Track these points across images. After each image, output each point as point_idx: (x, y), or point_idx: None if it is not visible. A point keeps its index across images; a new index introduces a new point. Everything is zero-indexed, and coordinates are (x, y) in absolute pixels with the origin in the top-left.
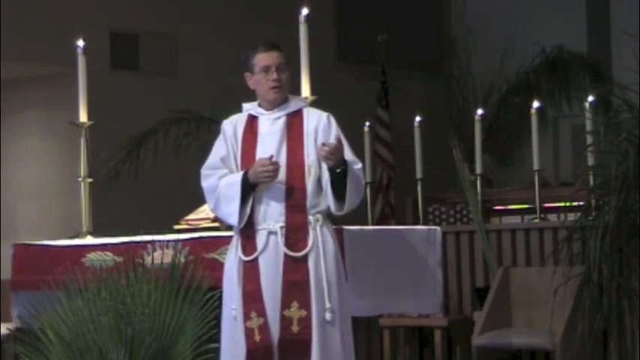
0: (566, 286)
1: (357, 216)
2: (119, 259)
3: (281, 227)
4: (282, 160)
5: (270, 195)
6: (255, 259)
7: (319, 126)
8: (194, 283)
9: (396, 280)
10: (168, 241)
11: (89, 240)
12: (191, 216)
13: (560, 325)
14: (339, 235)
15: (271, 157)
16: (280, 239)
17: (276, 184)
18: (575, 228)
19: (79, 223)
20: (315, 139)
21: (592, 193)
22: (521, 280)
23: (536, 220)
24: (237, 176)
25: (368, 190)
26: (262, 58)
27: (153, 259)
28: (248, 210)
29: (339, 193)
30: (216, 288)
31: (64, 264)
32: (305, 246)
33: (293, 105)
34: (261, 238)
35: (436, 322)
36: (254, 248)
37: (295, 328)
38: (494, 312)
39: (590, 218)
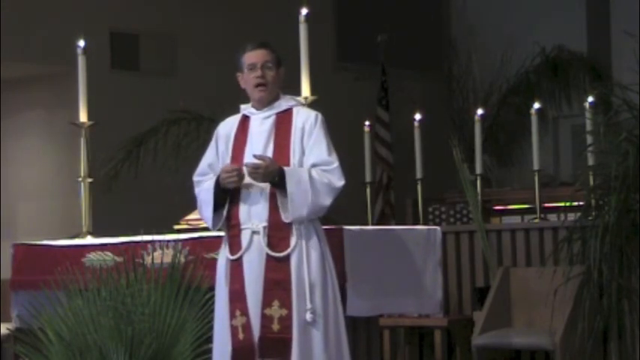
0: (566, 286)
1: (357, 216)
2: (119, 259)
3: (264, 227)
4: None
5: (256, 194)
6: (240, 258)
7: (306, 125)
8: (194, 283)
9: (396, 280)
10: (168, 241)
11: (89, 240)
12: (191, 216)
13: (560, 325)
14: (339, 235)
15: (241, 167)
16: (263, 239)
17: (262, 183)
18: (575, 228)
19: (79, 223)
20: (302, 138)
21: (592, 193)
22: (521, 280)
23: (536, 220)
24: (212, 181)
25: (368, 190)
26: (249, 57)
27: (153, 259)
28: (224, 213)
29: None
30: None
31: (64, 264)
32: (287, 246)
33: (283, 104)
34: (245, 237)
35: (436, 322)
36: (239, 247)
37: (276, 327)
38: (494, 312)
39: (590, 218)
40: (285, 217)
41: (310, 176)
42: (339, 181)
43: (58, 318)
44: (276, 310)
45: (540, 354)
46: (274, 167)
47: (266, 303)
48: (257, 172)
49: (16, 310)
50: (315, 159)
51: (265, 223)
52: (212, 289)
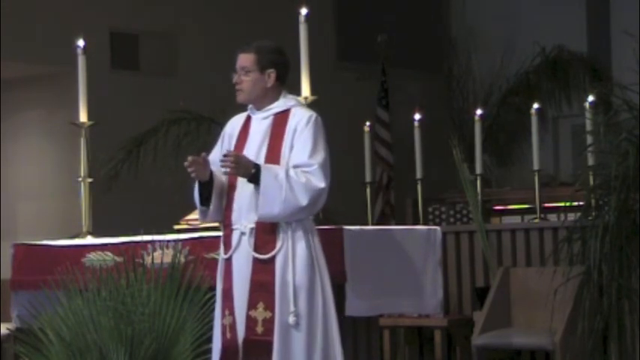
0: (566, 286)
1: (357, 216)
2: (119, 259)
3: (251, 228)
4: (262, 160)
5: (247, 195)
6: (230, 258)
7: (298, 126)
8: (194, 283)
9: (396, 280)
10: (168, 241)
11: (89, 240)
12: (191, 216)
13: (560, 325)
14: (339, 235)
15: (202, 158)
16: (249, 240)
17: (239, 177)
18: (575, 228)
19: (79, 223)
20: (293, 139)
21: (592, 193)
22: (521, 280)
23: (536, 220)
24: None
25: (368, 190)
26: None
27: (153, 259)
28: (210, 207)
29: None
30: (216, 288)
31: (64, 264)
32: (273, 248)
33: (281, 105)
34: (235, 238)
35: (436, 322)
36: (230, 247)
37: (260, 329)
38: (494, 312)
39: (590, 218)
40: (256, 215)
41: (287, 174)
42: (320, 183)
43: (58, 318)
44: (260, 313)
45: (540, 354)
46: (246, 160)
47: (251, 305)
48: (226, 162)
49: (16, 310)
50: (296, 161)
51: (253, 225)
52: (212, 289)
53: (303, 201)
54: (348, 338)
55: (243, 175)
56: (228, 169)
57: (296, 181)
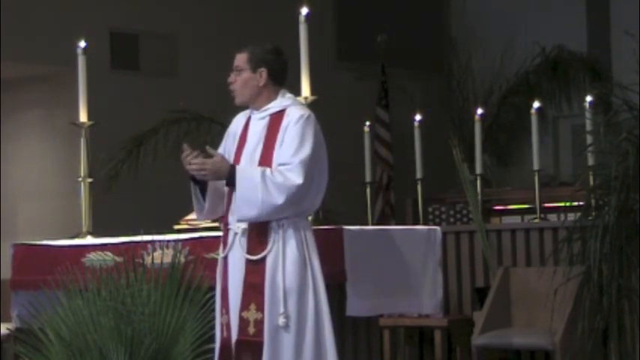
0: (566, 286)
1: (357, 216)
2: (119, 259)
3: (244, 229)
4: (257, 161)
5: None
6: (226, 257)
7: (289, 125)
8: (194, 283)
9: (396, 280)
10: (168, 241)
11: (89, 240)
12: (191, 216)
13: (560, 325)
14: (339, 235)
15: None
16: (241, 241)
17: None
18: (575, 228)
19: (79, 223)
20: (284, 138)
21: (592, 193)
22: (521, 280)
23: (536, 220)
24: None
25: (368, 190)
26: None
27: (153, 259)
28: (206, 204)
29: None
30: (216, 288)
31: (64, 264)
32: (264, 249)
33: (277, 105)
34: (230, 238)
35: (436, 322)
36: (226, 246)
37: (251, 330)
38: (494, 312)
39: (590, 218)
40: (235, 217)
41: (263, 174)
42: (297, 179)
43: (58, 318)
44: (252, 314)
45: (540, 354)
46: (218, 164)
47: (244, 305)
48: (192, 167)
49: (16, 310)
50: (281, 159)
51: (245, 226)
52: (212, 288)
53: (279, 200)
54: (348, 338)
55: (217, 179)
56: (202, 174)
57: (272, 181)
